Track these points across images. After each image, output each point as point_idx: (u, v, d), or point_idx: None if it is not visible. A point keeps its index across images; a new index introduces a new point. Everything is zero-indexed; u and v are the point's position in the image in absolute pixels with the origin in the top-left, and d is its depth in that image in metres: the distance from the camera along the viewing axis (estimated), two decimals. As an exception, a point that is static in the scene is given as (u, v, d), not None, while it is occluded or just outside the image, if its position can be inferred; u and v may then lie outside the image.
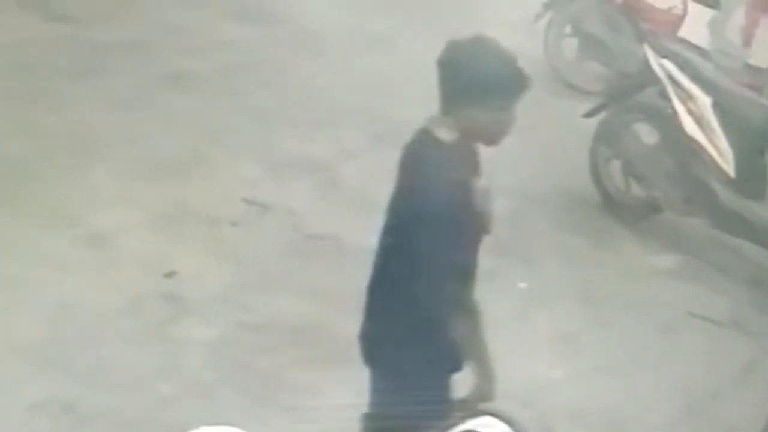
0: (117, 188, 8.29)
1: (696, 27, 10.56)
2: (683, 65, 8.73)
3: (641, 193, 8.93)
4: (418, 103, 9.90)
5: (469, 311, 5.39)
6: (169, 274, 7.47)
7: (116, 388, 6.44)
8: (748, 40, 10.71)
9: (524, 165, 9.51)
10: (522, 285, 7.97)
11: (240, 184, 8.59)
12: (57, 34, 10.57)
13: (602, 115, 9.01)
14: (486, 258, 8.04)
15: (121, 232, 7.82)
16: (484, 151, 9.39)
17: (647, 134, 8.88)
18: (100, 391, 6.38)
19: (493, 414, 4.81)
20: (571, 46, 11.02)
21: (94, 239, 7.70)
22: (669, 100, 8.69)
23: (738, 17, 10.86)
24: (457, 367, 5.21)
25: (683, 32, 10.28)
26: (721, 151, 8.53)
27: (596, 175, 9.07)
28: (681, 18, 10.68)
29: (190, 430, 3.83)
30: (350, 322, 7.18)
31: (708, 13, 10.80)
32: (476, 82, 5.04)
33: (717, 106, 8.58)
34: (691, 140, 8.59)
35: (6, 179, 8.12)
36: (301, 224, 8.28)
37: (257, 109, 9.72)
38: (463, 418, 4.77)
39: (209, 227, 8.06)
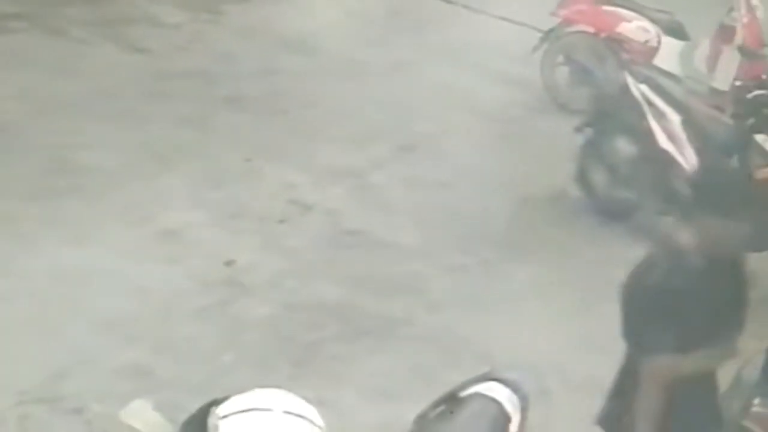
0: (185, 192, 8.32)
1: (668, 57, 10.54)
2: (657, 89, 8.75)
3: (621, 195, 8.92)
4: (436, 120, 10.07)
5: None
6: (229, 263, 7.51)
7: (185, 357, 6.49)
8: (712, 68, 10.71)
9: (523, 171, 9.52)
10: (521, 273, 7.96)
11: (286, 188, 8.61)
12: (134, 63, 10.61)
13: (589, 130, 8.99)
14: (490, 250, 8.15)
15: (189, 227, 7.86)
16: (487, 157, 9.49)
17: (627, 146, 8.86)
18: (172, 360, 6.43)
19: (497, 379, 4.78)
20: (562, 72, 10.99)
21: (167, 234, 7.74)
22: (645, 118, 8.69)
23: (704, 48, 10.87)
24: None
25: (657, 61, 10.26)
26: (689, 161, 8.54)
27: (583, 179, 9.05)
28: (655, 49, 10.66)
29: (247, 391, 3.84)
30: (378, 303, 7.26)
31: (679, 45, 10.79)
32: None
33: (686, 123, 8.60)
34: (664, 152, 8.60)
35: (94, 184, 8.17)
36: (337, 221, 8.30)
37: (300, 125, 9.73)
38: (472, 383, 4.75)
39: (261, 224, 8.09)
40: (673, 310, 4.31)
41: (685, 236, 4.45)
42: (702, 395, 4.63)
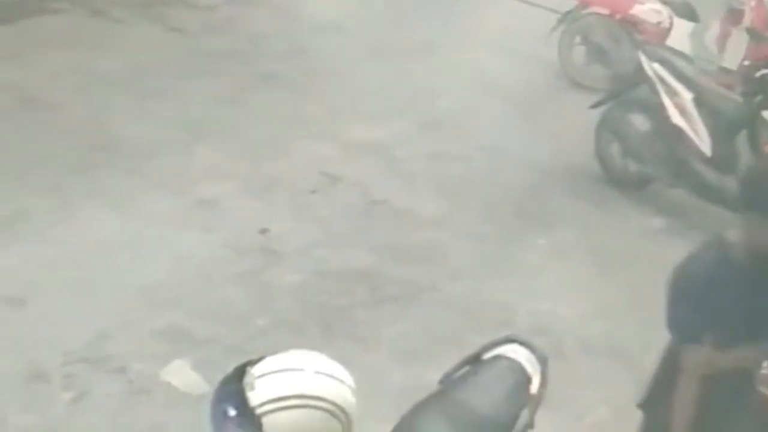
0: (220, 164, 8.31)
1: (680, 37, 10.48)
2: (670, 68, 8.70)
3: (636, 168, 8.90)
4: (458, 98, 10.05)
5: None
6: (263, 231, 7.49)
7: (222, 320, 6.47)
8: (721, 48, 10.67)
9: (542, 146, 9.51)
10: (541, 242, 7.96)
11: (317, 161, 8.59)
12: (172, 42, 10.61)
13: (605, 107, 8.98)
14: (511, 220, 8.14)
15: (225, 197, 7.85)
16: (508, 132, 9.47)
17: (641, 122, 8.84)
18: (209, 323, 6.41)
19: (518, 341, 4.78)
20: (579, 52, 10.97)
21: (203, 203, 7.73)
22: (658, 95, 8.65)
23: (714, 30, 10.82)
24: None
25: (670, 41, 10.19)
26: (700, 136, 8.51)
27: (600, 154, 9.05)
28: (668, 30, 10.61)
29: (280, 352, 3.84)
30: (403, 270, 7.25)
31: (690, 26, 10.74)
32: None
33: (697, 100, 8.55)
34: (676, 127, 8.56)
35: (134, 156, 8.17)
36: (364, 192, 8.28)
37: (329, 102, 9.73)
38: (494, 346, 4.74)
39: (293, 194, 8.08)
40: (717, 306, 4.22)
41: (735, 234, 4.31)
42: (736, 392, 4.57)
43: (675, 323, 4.49)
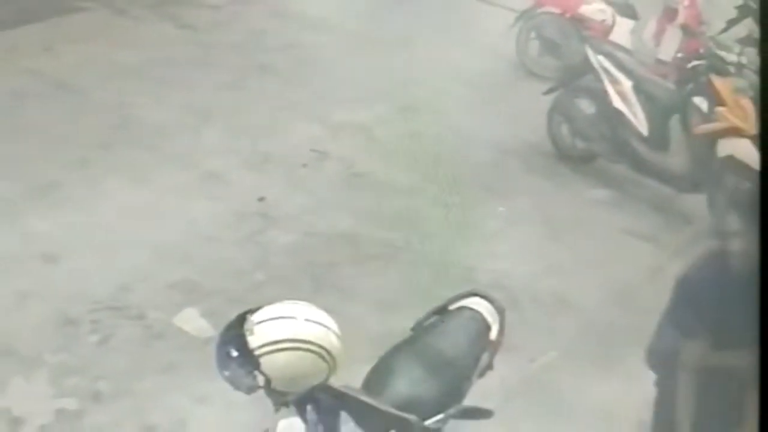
0: (224, 142, 8.33)
1: (622, 33, 10.48)
2: (612, 59, 8.72)
3: (583, 146, 8.93)
4: (430, 85, 10.06)
5: None
6: (261, 199, 7.52)
7: (226, 275, 6.52)
8: (658, 42, 10.68)
9: (502, 127, 9.51)
10: (501, 209, 7.99)
11: (307, 139, 8.60)
12: (182, 37, 10.58)
13: (556, 94, 8.99)
14: (475, 190, 8.17)
15: (228, 171, 7.86)
16: (473, 115, 9.49)
17: (587, 106, 8.86)
18: (215, 277, 6.46)
19: (479, 295, 4.80)
20: (534, 46, 10.95)
21: (209, 176, 7.76)
22: (602, 83, 8.68)
23: (651, 26, 10.84)
24: None
25: (613, 37, 10.19)
26: (638, 119, 8.53)
27: (552, 134, 9.06)
28: (611, 27, 10.60)
29: (275, 303, 3.88)
30: (382, 232, 7.29)
31: (631, 23, 10.75)
32: None
33: (636, 87, 8.57)
34: (618, 111, 8.58)
35: (150, 135, 8.20)
36: (348, 166, 8.29)
37: (319, 89, 9.72)
38: (459, 299, 4.77)
39: (287, 168, 8.09)
40: (716, 308, 4.20)
41: (736, 244, 4.23)
42: (724, 390, 4.53)
43: (676, 317, 4.42)
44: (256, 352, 3.72)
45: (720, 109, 8.03)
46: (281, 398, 3.89)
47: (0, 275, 6.21)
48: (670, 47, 10.39)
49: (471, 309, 4.70)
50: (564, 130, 9.04)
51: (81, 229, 6.81)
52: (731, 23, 6.02)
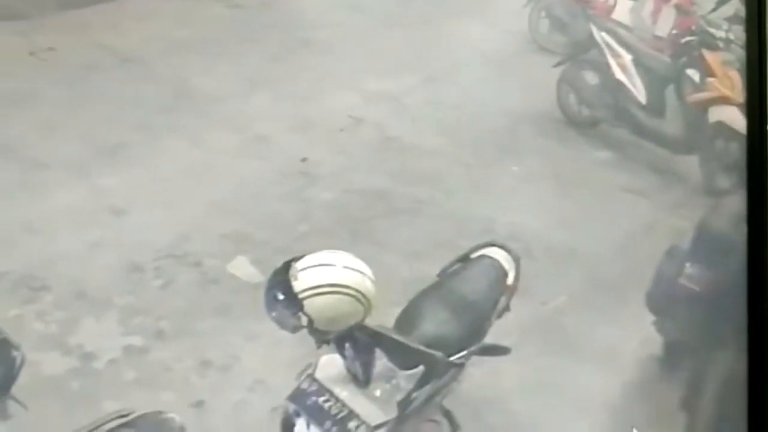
0: (271, 108, 8.24)
1: (623, 12, 10.29)
2: (614, 35, 8.65)
3: (588, 113, 8.82)
4: (452, 59, 9.94)
5: None
6: (303, 160, 7.43)
7: (272, 227, 6.45)
8: (655, 20, 10.48)
9: (515, 96, 9.37)
10: (515, 169, 7.91)
11: (344, 106, 8.49)
12: (232, 16, 10.48)
13: (564, 66, 8.88)
14: (492, 152, 8.08)
15: (274, 134, 7.77)
16: (489, 86, 9.38)
17: (592, 77, 8.72)
18: (263, 229, 6.40)
19: (497, 245, 4.77)
20: (545, 24, 10.80)
21: (258, 138, 7.66)
22: (605, 57, 8.58)
23: (649, 5, 10.65)
24: None
25: (615, 15, 10.03)
26: (637, 88, 8.44)
27: (561, 102, 8.93)
28: (613, 6, 10.39)
29: (317, 252, 3.85)
30: (410, 189, 7.22)
31: (630, 3, 10.54)
32: None
33: (635, 60, 8.48)
34: (619, 81, 8.48)
35: (205, 102, 8.11)
36: (381, 131, 8.19)
37: (354, 61, 9.59)
38: (479, 248, 4.74)
39: (326, 132, 8.00)
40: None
41: None
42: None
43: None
44: (300, 296, 3.71)
45: (710, 79, 7.96)
46: (323, 337, 3.89)
47: (73, 227, 6.19)
48: (665, 25, 10.22)
49: (490, 257, 4.68)
50: (571, 98, 8.91)
51: (144, 186, 6.76)
52: (720, 3, 5.99)
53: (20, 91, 7.88)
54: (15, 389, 3.99)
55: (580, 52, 8.93)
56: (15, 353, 4.01)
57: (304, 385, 4.12)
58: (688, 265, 5.10)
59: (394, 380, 4.12)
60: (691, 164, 8.09)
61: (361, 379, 4.06)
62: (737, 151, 7.24)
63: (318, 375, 4.12)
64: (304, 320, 3.75)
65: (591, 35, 8.77)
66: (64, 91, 8.02)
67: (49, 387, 4.99)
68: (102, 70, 8.52)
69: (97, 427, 3.73)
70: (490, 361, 4.43)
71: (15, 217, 6.26)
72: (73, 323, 5.38)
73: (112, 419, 3.75)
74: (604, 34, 8.68)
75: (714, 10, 6.22)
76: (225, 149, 7.43)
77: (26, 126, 7.37)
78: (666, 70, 8.44)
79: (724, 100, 7.82)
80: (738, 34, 7.77)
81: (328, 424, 4.01)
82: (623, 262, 6.68)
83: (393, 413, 4.05)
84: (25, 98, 7.80)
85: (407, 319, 4.30)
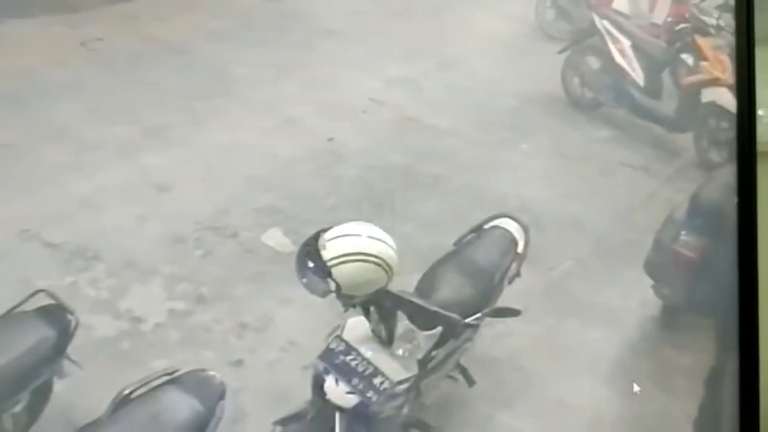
0: (299, 93, 8.15)
1: (622, 1, 10.19)
2: (614, 23, 8.55)
3: (591, 95, 8.74)
4: (464, 46, 9.85)
5: None
6: (330, 139, 7.39)
7: (303, 201, 6.42)
8: (651, 9, 10.36)
9: (524, 80, 9.30)
10: (524, 146, 7.85)
11: (366, 90, 8.42)
12: (263, 7, 10.32)
13: (568, 52, 8.81)
14: (502, 131, 8.02)
15: (303, 117, 7.70)
16: (499, 70, 9.31)
17: (594, 62, 8.64)
18: (295, 203, 6.37)
19: (508, 216, 4.75)
20: (550, 13, 10.68)
21: (288, 121, 7.60)
22: (606, 43, 8.50)
23: (646, -5, 10.59)
24: None
25: (614, 5, 9.92)
26: (636, 72, 8.36)
27: (565, 85, 8.85)
28: (613, -4, 10.39)
29: (344, 223, 3.82)
30: (428, 166, 7.18)
31: (629, -7, 10.51)
32: None
33: (634, 46, 8.40)
34: (619, 66, 8.41)
35: (240, 86, 8.02)
36: (401, 111, 8.12)
37: (373, 48, 9.50)
38: (491, 219, 4.72)
39: (351, 113, 7.94)
40: None
41: None
42: None
43: None
44: (329, 263, 3.72)
45: (703, 63, 7.92)
46: (349, 301, 3.90)
47: (122, 203, 6.19)
48: (661, 13, 10.10)
49: (501, 228, 4.70)
50: (575, 82, 8.83)
51: (186, 164, 6.73)
52: (711, -8, 5.95)
53: (72, 79, 7.86)
54: (70, 350, 4.00)
55: (583, 39, 8.84)
56: (70, 317, 4.04)
57: (333, 345, 4.13)
58: (683, 233, 5.07)
59: (414, 340, 4.13)
60: (685, 141, 8.00)
61: (385, 340, 4.06)
62: (728, 128, 7.16)
63: (345, 336, 4.13)
64: (333, 286, 3.77)
65: (593, 23, 8.67)
66: (112, 78, 7.99)
67: (101, 348, 5.00)
68: (147, 58, 8.48)
69: (146, 384, 3.74)
70: (502, 322, 4.41)
71: (70, 193, 6.26)
72: (123, 290, 5.38)
73: (159, 376, 3.77)
74: (605, 22, 8.59)
75: (705, -1, 6.22)
76: (259, 131, 7.38)
77: (78, 111, 7.36)
78: (662, 55, 8.36)
79: (715, 82, 7.75)
80: (728, 21, 7.66)
81: (355, 380, 4.01)
82: (624, 231, 6.62)
83: (414, 370, 4.06)
84: (76, 86, 7.79)
85: (426, 284, 4.32)
